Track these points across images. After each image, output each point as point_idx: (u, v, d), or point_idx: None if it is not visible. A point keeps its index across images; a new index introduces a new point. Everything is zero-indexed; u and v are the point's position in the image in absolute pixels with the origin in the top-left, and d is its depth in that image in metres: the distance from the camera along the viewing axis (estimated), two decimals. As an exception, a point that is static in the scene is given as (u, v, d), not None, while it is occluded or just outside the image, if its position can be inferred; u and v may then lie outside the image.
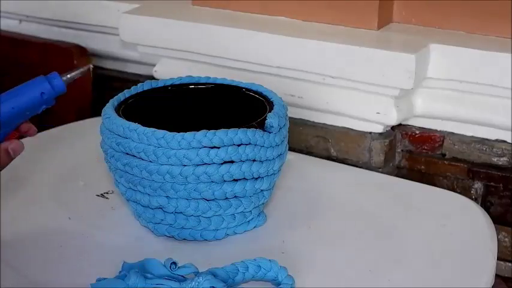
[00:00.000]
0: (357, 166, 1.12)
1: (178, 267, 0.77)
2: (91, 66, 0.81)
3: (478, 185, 1.10)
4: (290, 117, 0.98)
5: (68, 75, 0.80)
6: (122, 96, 0.95)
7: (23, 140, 0.80)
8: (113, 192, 1.00)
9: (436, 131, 1.13)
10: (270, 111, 0.90)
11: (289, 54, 1.11)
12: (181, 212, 0.86)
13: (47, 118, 1.36)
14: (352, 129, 1.13)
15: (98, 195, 1.00)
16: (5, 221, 0.92)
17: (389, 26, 1.15)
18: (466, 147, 1.11)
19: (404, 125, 1.14)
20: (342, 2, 1.13)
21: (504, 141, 1.09)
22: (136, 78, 1.34)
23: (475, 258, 0.88)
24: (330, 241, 0.91)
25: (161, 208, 0.87)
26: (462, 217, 0.98)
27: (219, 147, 0.84)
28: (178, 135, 0.83)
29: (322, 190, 1.03)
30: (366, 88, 1.08)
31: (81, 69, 0.81)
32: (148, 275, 0.77)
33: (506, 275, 1.10)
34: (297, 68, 1.11)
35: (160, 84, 0.99)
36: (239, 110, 0.96)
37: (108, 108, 0.91)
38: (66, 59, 1.35)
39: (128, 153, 0.86)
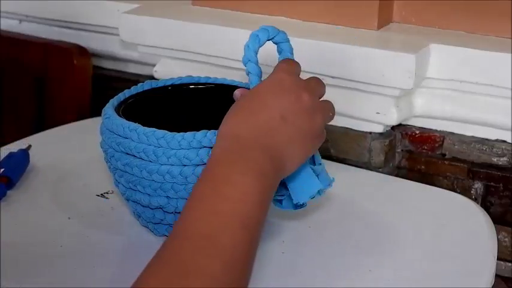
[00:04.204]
0: (357, 166, 1.12)
1: None
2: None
3: (478, 185, 1.10)
4: (290, 117, 0.98)
5: None
6: (122, 96, 0.95)
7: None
8: (112, 192, 1.00)
9: (436, 131, 1.13)
10: (270, 111, 0.89)
11: (289, 54, 1.11)
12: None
13: (47, 118, 1.36)
14: (352, 129, 1.13)
15: (98, 195, 1.00)
16: (5, 220, 0.92)
17: (389, 26, 1.15)
18: (466, 147, 1.11)
19: (404, 125, 1.14)
20: (342, 2, 1.13)
21: (504, 141, 1.09)
22: (136, 78, 1.34)
23: (475, 258, 0.88)
24: (330, 241, 0.91)
25: (161, 208, 0.87)
26: (462, 217, 0.98)
27: (219, 147, 0.84)
28: (178, 135, 0.83)
29: (322, 190, 1.03)
30: (365, 88, 1.08)
31: None
32: None
33: (506, 275, 1.10)
34: (297, 68, 1.11)
35: (160, 84, 0.99)
36: (239, 110, 0.96)
37: (108, 108, 0.91)
38: (66, 59, 1.34)
39: (128, 153, 0.86)
